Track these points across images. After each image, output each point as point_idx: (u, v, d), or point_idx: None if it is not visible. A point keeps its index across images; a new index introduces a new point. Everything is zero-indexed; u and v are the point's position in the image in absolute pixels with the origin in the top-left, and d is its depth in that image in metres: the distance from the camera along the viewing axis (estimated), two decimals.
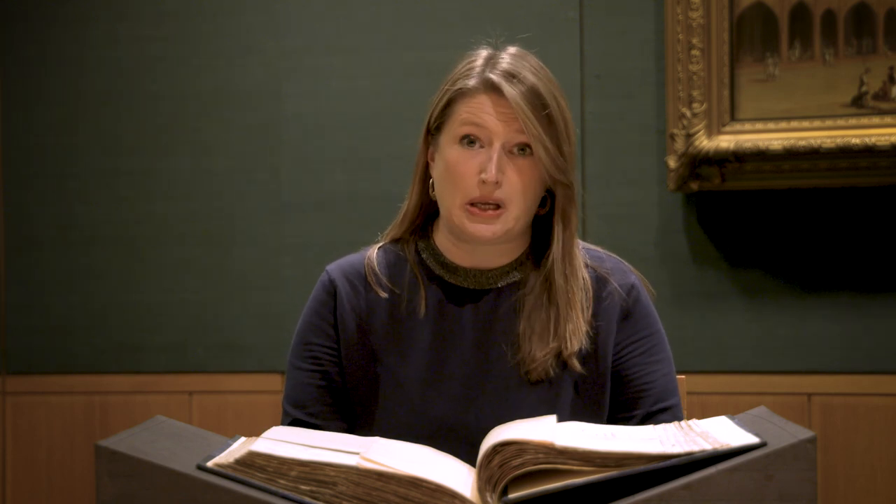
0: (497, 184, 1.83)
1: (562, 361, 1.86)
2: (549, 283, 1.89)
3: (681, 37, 3.11)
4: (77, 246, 3.54)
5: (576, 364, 1.86)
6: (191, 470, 1.45)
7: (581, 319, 1.87)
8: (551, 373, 1.86)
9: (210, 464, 1.46)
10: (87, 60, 3.55)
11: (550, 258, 1.89)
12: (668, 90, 3.14)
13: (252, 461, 1.45)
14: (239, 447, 1.53)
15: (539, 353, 1.85)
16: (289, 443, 1.51)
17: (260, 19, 3.46)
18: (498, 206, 1.85)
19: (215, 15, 3.48)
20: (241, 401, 3.43)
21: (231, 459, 1.46)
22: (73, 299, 3.54)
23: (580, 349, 1.87)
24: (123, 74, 3.53)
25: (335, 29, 3.42)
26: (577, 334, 1.86)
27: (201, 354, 3.47)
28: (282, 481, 1.45)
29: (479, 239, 1.87)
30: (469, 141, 1.85)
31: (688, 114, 3.11)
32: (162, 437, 1.54)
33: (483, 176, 1.83)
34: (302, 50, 3.43)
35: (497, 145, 1.84)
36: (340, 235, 3.36)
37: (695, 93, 3.11)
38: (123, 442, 1.48)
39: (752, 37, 3.09)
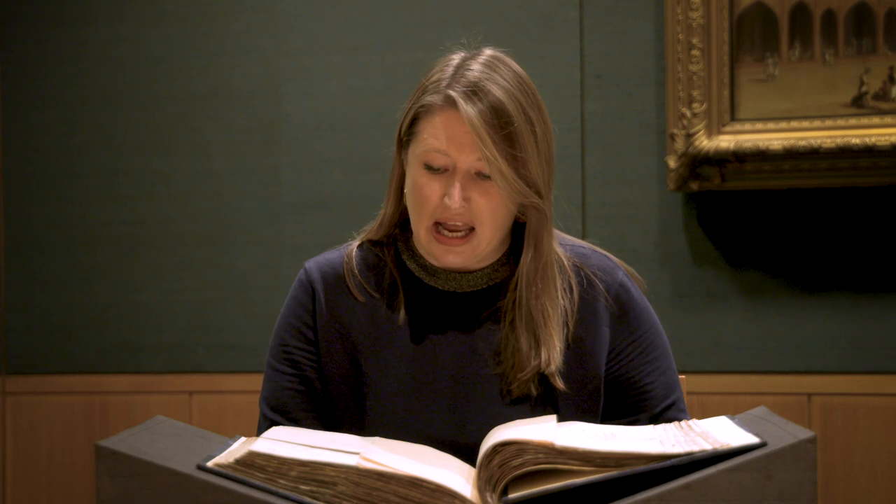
0: (464, 206, 1.78)
1: (544, 379, 1.82)
2: (519, 304, 1.83)
3: (681, 37, 3.11)
4: (77, 246, 3.54)
5: (558, 382, 1.81)
6: (191, 470, 1.45)
7: (556, 338, 1.81)
8: (533, 391, 1.81)
9: (210, 464, 1.46)
10: (87, 60, 3.54)
11: (516, 278, 1.84)
12: (668, 90, 3.14)
13: (252, 461, 1.45)
14: (239, 447, 1.53)
15: (519, 373, 1.80)
16: (289, 443, 1.51)
17: (260, 19, 3.46)
18: (469, 230, 1.80)
19: (215, 15, 3.48)
20: (241, 401, 3.43)
21: (231, 459, 1.46)
22: (73, 299, 3.54)
23: (559, 367, 1.81)
24: (123, 74, 3.53)
25: (335, 29, 3.42)
26: (553, 354, 1.80)
27: (201, 354, 3.47)
28: (282, 481, 1.45)
29: (448, 267, 1.83)
30: (433, 168, 1.80)
31: (688, 114, 3.11)
32: (162, 437, 1.54)
33: (447, 201, 1.78)
34: (302, 50, 3.43)
35: (459, 171, 1.78)
36: (340, 235, 3.32)
37: (695, 93, 3.10)
38: (123, 442, 1.48)
39: (752, 37, 3.09)
